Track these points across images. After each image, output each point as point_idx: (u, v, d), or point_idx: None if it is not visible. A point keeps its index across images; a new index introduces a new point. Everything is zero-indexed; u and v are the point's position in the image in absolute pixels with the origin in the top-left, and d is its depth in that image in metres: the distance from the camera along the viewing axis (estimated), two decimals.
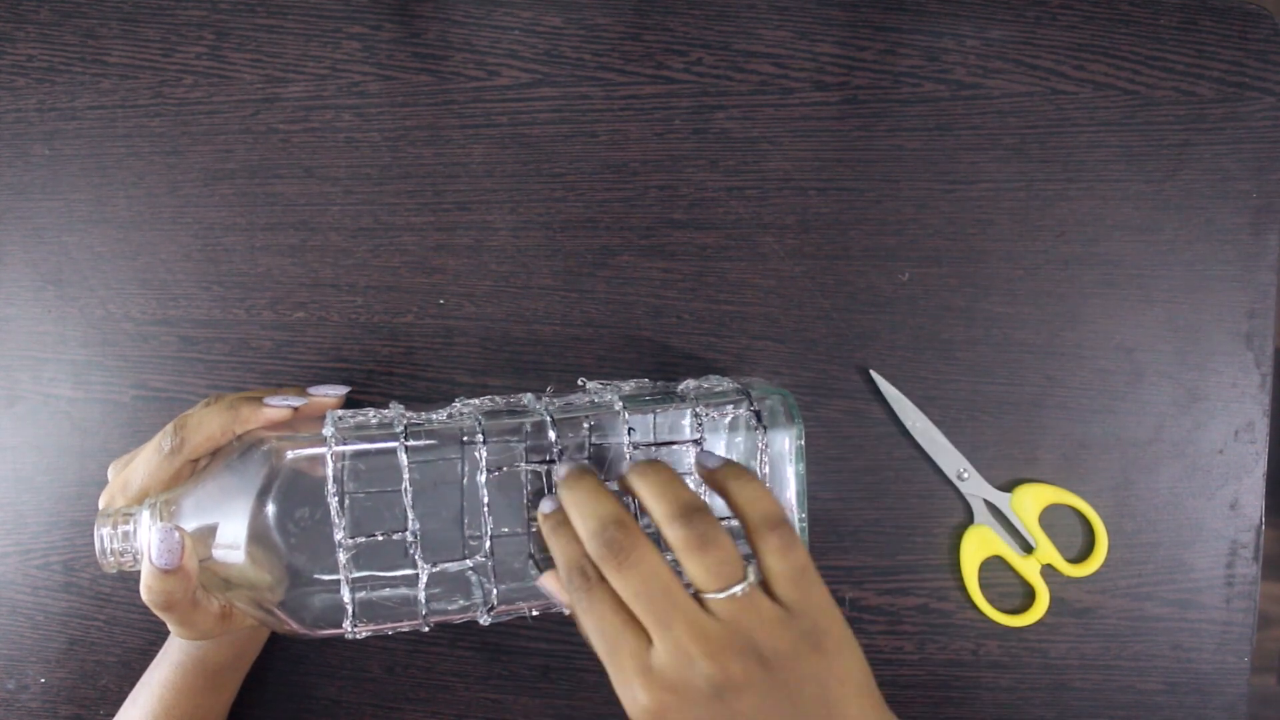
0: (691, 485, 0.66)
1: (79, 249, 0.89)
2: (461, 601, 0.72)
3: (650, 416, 0.74)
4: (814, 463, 0.88)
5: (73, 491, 0.89)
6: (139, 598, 0.70)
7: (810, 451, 0.88)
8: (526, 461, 0.71)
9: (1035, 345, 0.89)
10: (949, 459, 0.88)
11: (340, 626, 0.69)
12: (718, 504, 0.68)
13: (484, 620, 0.72)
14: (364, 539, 0.68)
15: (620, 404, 0.73)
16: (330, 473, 0.68)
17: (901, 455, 0.89)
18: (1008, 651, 0.89)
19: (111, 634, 0.90)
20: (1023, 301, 0.89)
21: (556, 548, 0.65)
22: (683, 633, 0.60)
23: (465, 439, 0.71)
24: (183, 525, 0.69)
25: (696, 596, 0.62)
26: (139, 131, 0.89)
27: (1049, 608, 0.88)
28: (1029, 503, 0.88)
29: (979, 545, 0.88)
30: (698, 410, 0.73)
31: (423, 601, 0.70)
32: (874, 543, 0.89)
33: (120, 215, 0.89)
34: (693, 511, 0.61)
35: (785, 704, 0.61)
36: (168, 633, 0.83)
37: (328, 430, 0.70)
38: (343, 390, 0.79)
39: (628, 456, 0.72)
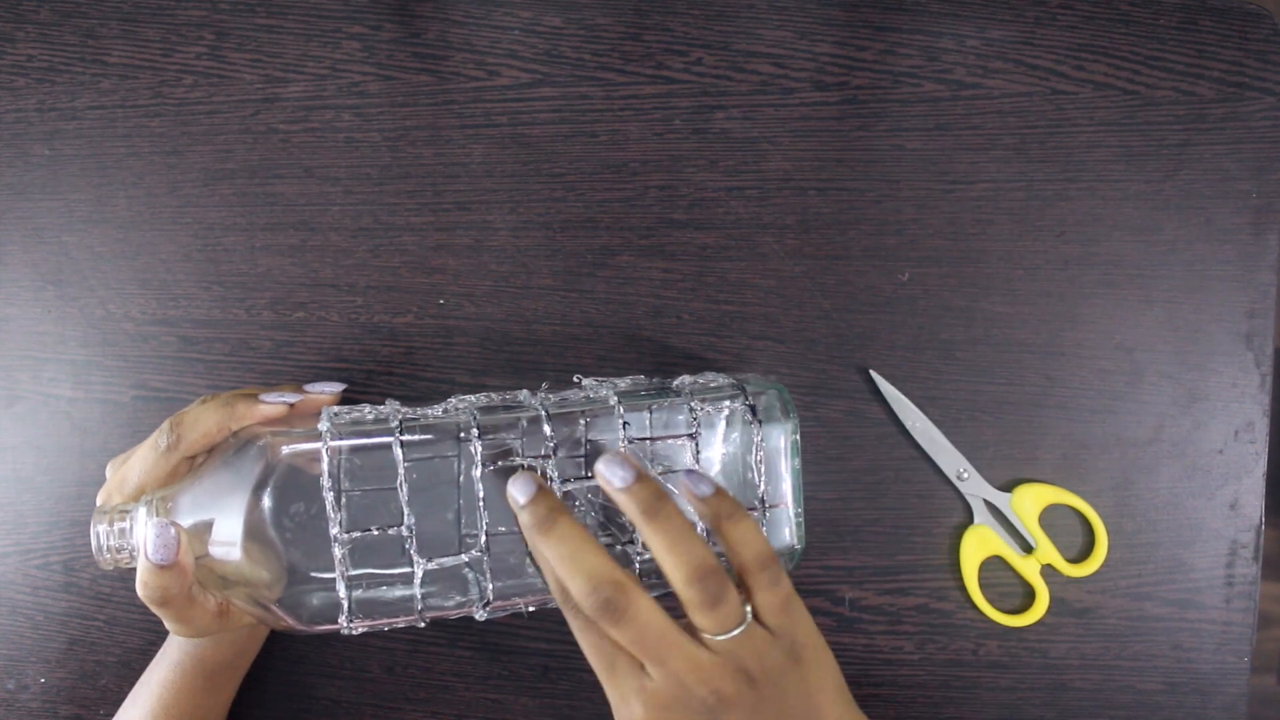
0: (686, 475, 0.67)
1: (79, 249, 0.89)
2: (458, 597, 0.72)
3: (646, 412, 0.74)
4: (814, 463, 0.88)
5: (73, 491, 0.89)
6: (138, 598, 0.70)
7: (810, 451, 0.88)
8: (522, 457, 0.71)
9: (1035, 345, 0.89)
10: (949, 459, 0.88)
11: (336, 623, 0.69)
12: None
13: (480, 616, 0.72)
14: (360, 534, 0.68)
15: (616, 399, 0.73)
16: (326, 468, 0.68)
17: (901, 455, 0.89)
18: (1008, 651, 0.89)
19: (111, 634, 0.90)
20: (1023, 301, 0.89)
21: (545, 567, 0.66)
22: (679, 666, 0.63)
23: (461, 434, 0.71)
24: (179, 521, 0.69)
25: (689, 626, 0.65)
26: (139, 131, 0.89)
27: (1049, 608, 0.88)
28: (1029, 503, 0.88)
29: (979, 545, 0.88)
30: (693, 405, 0.73)
31: (419, 597, 0.70)
32: (874, 543, 0.89)
33: (120, 215, 0.89)
34: (707, 574, 0.63)
35: (772, 714, 0.65)
36: (167, 633, 0.83)
37: (323, 426, 0.70)
38: (338, 387, 0.79)
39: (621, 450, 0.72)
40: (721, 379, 0.77)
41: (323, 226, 0.89)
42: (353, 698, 0.89)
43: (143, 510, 0.70)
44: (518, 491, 0.65)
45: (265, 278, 0.89)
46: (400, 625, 0.71)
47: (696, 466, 0.73)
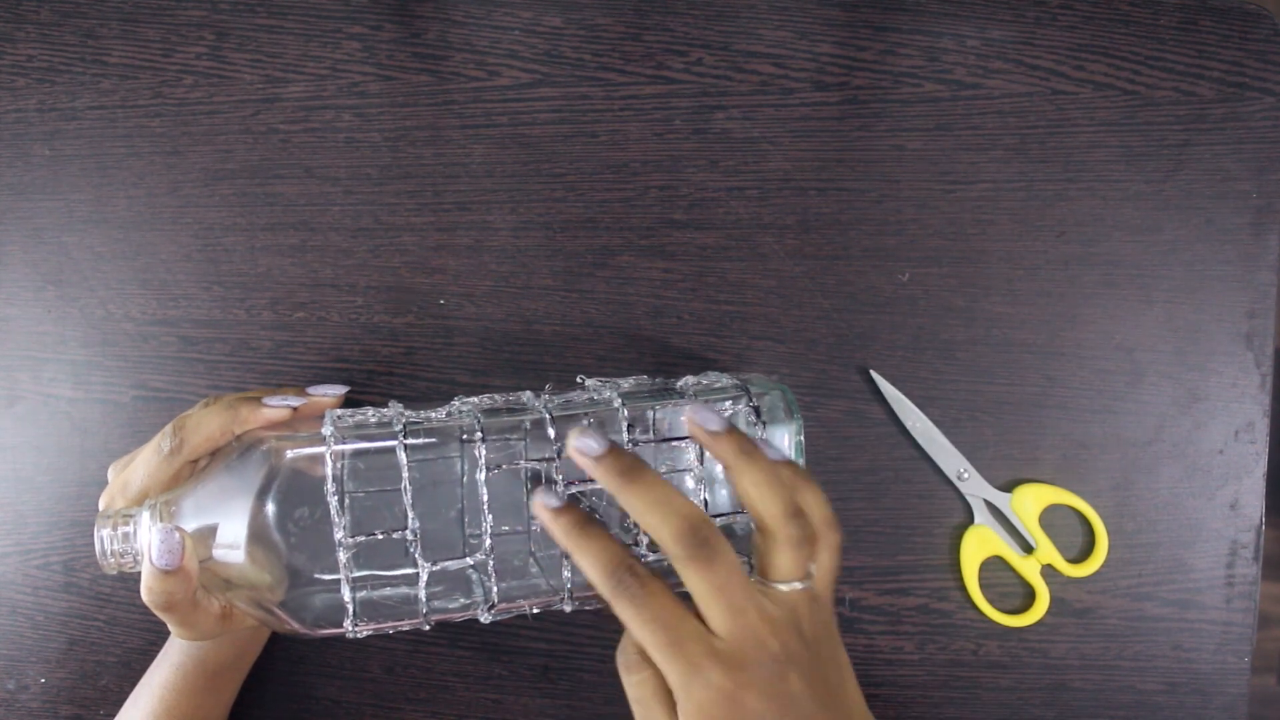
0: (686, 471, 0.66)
1: (79, 249, 0.89)
2: (462, 600, 0.72)
3: (650, 413, 0.74)
4: (814, 463, 0.88)
5: (73, 491, 0.89)
6: (139, 598, 0.70)
7: (810, 451, 0.88)
8: (526, 459, 0.71)
9: (1035, 345, 0.89)
10: (949, 459, 0.88)
11: (341, 626, 0.69)
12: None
13: (485, 618, 0.72)
14: (364, 538, 0.68)
15: (619, 401, 0.73)
16: (330, 472, 0.67)
17: (901, 455, 0.89)
18: (1008, 651, 0.89)
19: (111, 634, 0.90)
20: (1023, 301, 0.89)
21: (589, 550, 0.64)
22: (754, 616, 0.62)
23: (464, 437, 0.71)
24: (183, 526, 0.69)
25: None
26: (139, 131, 0.89)
27: (1049, 608, 0.88)
28: (1029, 503, 0.88)
29: (979, 545, 0.88)
30: None
31: (423, 600, 0.70)
32: (874, 543, 0.89)
33: (120, 215, 0.89)
34: (800, 512, 0.64)
35: (819, 681, 0.64)
36: (168, 633, 0.83)
37: (327, 429, 0.70)
38: (341, 390, 0.79)
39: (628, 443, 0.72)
40: (725, 379, 0.77)
41: (323, 226, 0.89)
42: (353, 698, 0.89)
43: (146, 515, 0.70)
44: (590, 443, 0.64)
45: (265, 278, 0.89)
46: (405, 628, 0.71)
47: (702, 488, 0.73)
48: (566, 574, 0.71)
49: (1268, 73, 0.89)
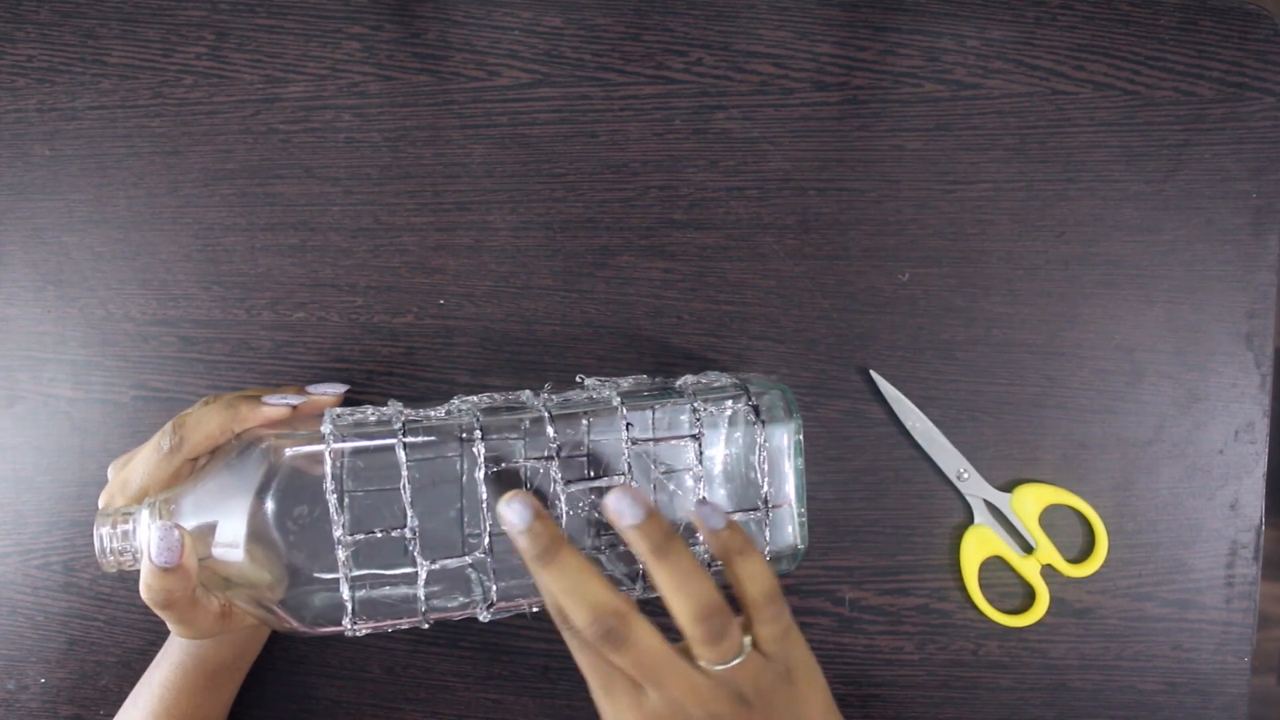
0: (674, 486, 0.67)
1: (79, 249, 0.89)
2: (461, 599, 0.72)
3: (649, 412, 0.74)
4: (814, 463, 0.88)
5: (73, 491, 0.89)
6: (139, 598, 0.70)
7: (810, 451, 0.88)
8: (525, 458, 0.71)
9: (1035, 345, 0.89)
10: (949, 459, 0.88)
11: (340, 624, 0.69)
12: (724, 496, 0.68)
13: (484, 617, 0.72)
14: (363, 536, 0.68)
15: (619, 400, 0.73)
16: (329, 470, 0.68)
17: (901, 455, 0.89)
18: (1008, 651, 0.89)
19: (111, 634, 0.90)
20: (1023, 301, 0.89)
21: (543, 587, 0.65)
22: (676, 690, 0.64)
23: (464, 436, 0.71)
24: (182, 524, 0.69)
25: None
26: (139, 131, 0.89)
27: (1049, 608, 0.88)
28: (1029, 503, 0.88)
29: (979, 545, 0.88)
30: (696, 406, 0.74)
31: (422, 599, 0.70)
32: (874, 543, 0.89)
33: (120, 215, 0.89)
34: (712, 613, 0.64)
35: None
36: (168, 633, 0.83)
37: (326, 428, 0.70)
38: (341, 388, 0.79)
39: (625, 453, 0.72)
40: (724, 379, 0.77)
41: (323, 226, 0.89)
42: (353, 698, 0.89)
43: (146, 513, 0.70)
44: (514, 516, 0.65)
45: (265, 278, 0.89)
46: (404, 627, 0.71)
47: (702, 495, 0.74)
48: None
49: (1268, 73, 0.89)
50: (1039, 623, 0.89)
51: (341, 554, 0.67)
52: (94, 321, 0.89)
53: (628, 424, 0.72)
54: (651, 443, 0.73)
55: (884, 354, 0.89)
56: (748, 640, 0.66)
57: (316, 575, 0.68)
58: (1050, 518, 0.89)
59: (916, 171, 0.89)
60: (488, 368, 0.89)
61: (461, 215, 0.89)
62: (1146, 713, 0.89)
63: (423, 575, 0.69)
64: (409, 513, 0.68)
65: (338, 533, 0.67)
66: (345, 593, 0.68)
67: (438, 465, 0.70)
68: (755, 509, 0.74)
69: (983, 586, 0.89)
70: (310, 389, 0.78)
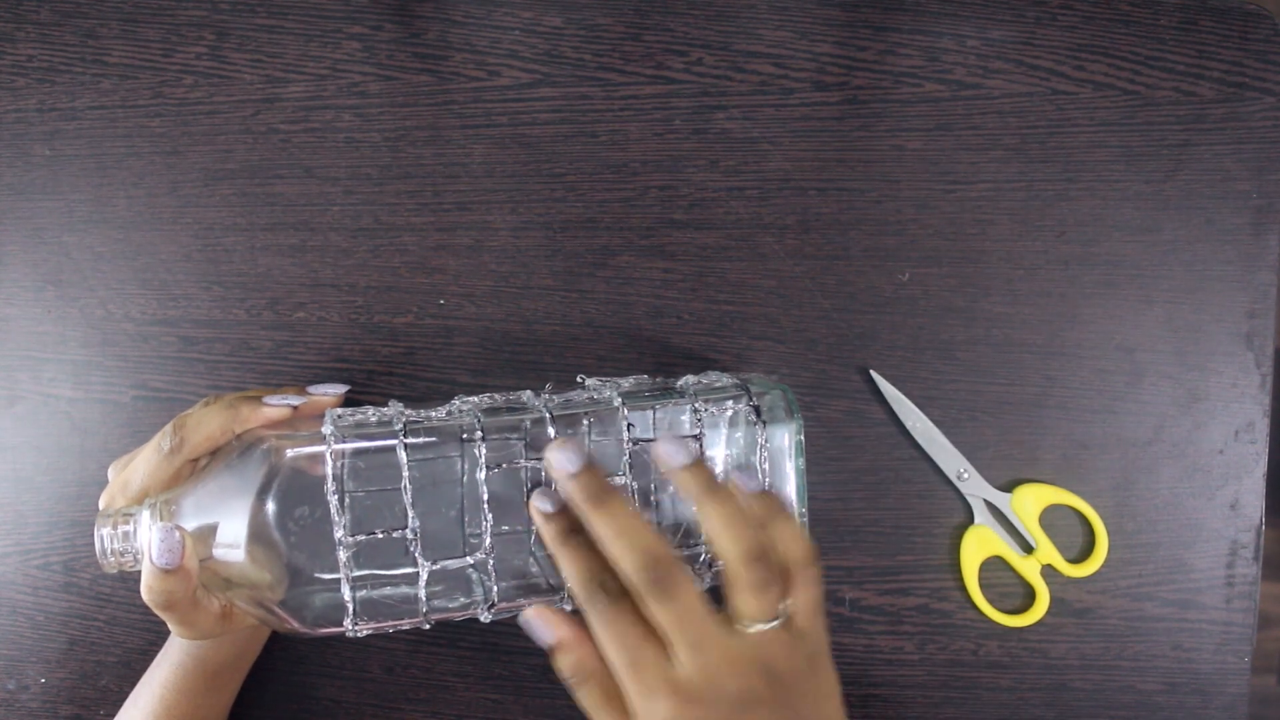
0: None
1: (79, 249, 0.89)
2: (462, 599, 0.72)
3: (649, 413, 0.74)
4: (814, 463, 0.88)
5: (73, 491, 0.89)
6: (139, 598, 0.70)
7: (810, 451, 0.88)
8: (526, 458, 0.71)
9: (1035, 345, 0.89)
10: (949, 459, 0.88)
11: (341, 625, 0.69)
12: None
13: (485, 618, 0.72)
14: (364, 537, 0.68)
15: (619, 400, 0.73)
16: (330, 471, 0.68)
17: (901, 455, 0.89)
18: (1008, 651, 0.89)
19: (111, 634, 0.90)
20: (1023, 301, 0.89)
21: (570, 559, 0.66)
22: (715, 655, 0.63)
23: (465, 436, 0.71)
24: (183, 525, 0.69)
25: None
26: (139, 131, 0.89)
27: (1049, 608, 0.88)
28: (1029, 503, 0.88)
29: (979, 545, 0.88)
30: (697, 406, 0.74)
31: (423, 599, 0.70)
32: (874, 543, 0.89)
33: (120, 215, 0.89)
34: (762, 555, 0.65)
35: (790, 717, 0.65)
36: (168, 633, 0.83)
37: (327, 429, 0.70)
38: (342, 389, 0.79)
39: (626, 454, 0.72)
40: (725, 379, 0.77)
41: (323, 226, 0.89)
42: (353, 698, 0.89)
43: (146, 514, 0.70)
44: (566, 460, 0.66)
45: (265, 278, 0.89)
46: (405, 627, 0.71)
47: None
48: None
49: (1268, 73, 0.89)
50: (1039, 623, 0.89)
51: (342, 554, 0.67)
52: (94, 321, 0.89)
53: (629, 424, 0.72)
54: (652, 443, 0.73)
55: (884, 354, 0.89)
56: (785, 605, 0.66)
57: (317, 576, 0.68)
58: (1050, 518, 0.89)
59: (916, 171, 0.89)
60: (488, 368, 0.89)
61: (461, 215, 0.89)
62: (1146, 713, 0.89)
63: (424, 576, 0.69)
64: (410, 513, 0.68)
65: (339, 533, 0.67)
66: (346, 593, 0.68)
67: (439, 466, 0.70)
68: None
69: (983, 586, 0.89)
70: (311, 389, 0.78)
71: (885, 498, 0.89)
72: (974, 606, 0.89)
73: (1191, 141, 0.89)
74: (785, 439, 0.75)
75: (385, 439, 0.70)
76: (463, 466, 0.70)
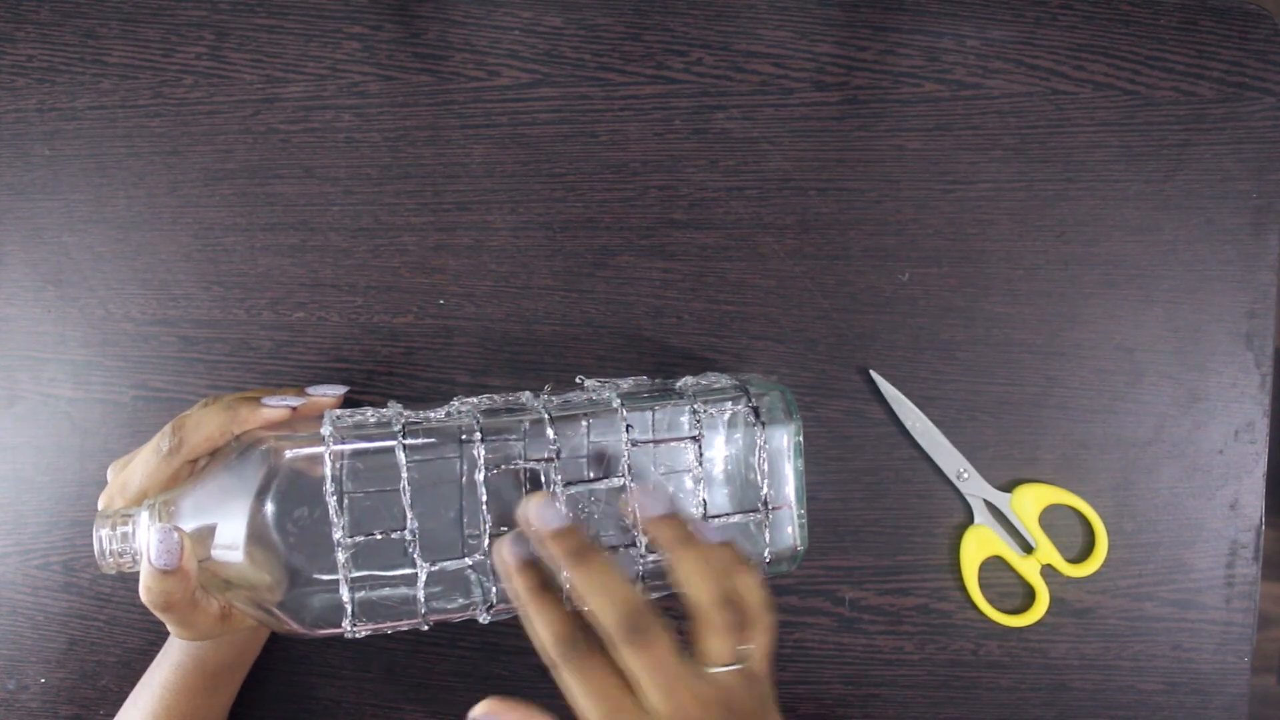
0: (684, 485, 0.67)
1: (79, 249, 0.89)
2: (461, 600, 0.72)
3: (649, 414, 0.74)
4: (814, 463, 0.88)
5: (73, 491, 0.89)
6: (139, 598, 0.70)
7: (810, 451, 0.88)
8: (525, 459, 0.71)
9: (1035, 345, 0.89)
10: (949, 459, 0.88)
11: (340, 626, 0.69)
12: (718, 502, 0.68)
13: (484, 619, 0.72)
14: (363, 538, 0.68)
15: (618, 401, 0.73)
16: (328, 472, 0.68)
17: (901, 455, 0.89)
18: (1008, 651, 0.89)
19: (111, 634, 0.90)
20: (1023, 301, 0.89)
21: (543, 617, 0.67)
22: (686, 697, 0.64)
23: (464, 437, 0.71)
24: (182, 526, 0.69)
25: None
26: (139, 131, 0.89)
27: (1049, 608, 0.88)
28: (1029, 503, 0.88)
29: (979, 545, 0.88)
30: (696, 407, 0.74)
31: (422, 600, 0.70)
32: (874, 543, 0.89)
33: (120, 215, 0.89)
34: (731, 601, 0.66)
35: None
36: (168, 633, 0.83)
37: (326, 430, 0.70)
38: (341, 390, 0.79)
39: (625, 455, 0.72)
40: (724, 380, 0.77)
41: (323, 226, 0.89)
42: (353, 698, 0.89)
43: (145, 515, 0.70)
44: (548, 517, 0.66)
45: (265, 278, 0.89)
46: (404, 628, 0.71)
47: (703, 498, 0.74)
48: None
49: (1268, 73, 0.89)
50: (1039, 623, 0.89)
51: (341, 556, 0.67)
52: (94, 321, 0.89)
53: (628, 425, 0.72)
54: (652, 444, 0.73)
55: (884, 354, 0.89)
56: (746, 649, 0.67)
57: (316, 577, 0.68)
58: (1050, 518, 0.89)
59: (916, 171, 0.89)
60: (488, 368, 0.89)
61: (461, 215, 0.89)
62: (1146, 713, 0.89)
63: (422, 577, 0.69)
64: (409, 514, 0.68)
65: (337, 534, 0.67)
66: (345, 594, 0.68)
67: (437, 467, 0.70)
68: (755, 510, 0.74)
69: (983, 586, 0.89)
70: (310, 390, 0.78)
71: (885, 498, 0.89)
72: (974, 606, 0.89)
73: (1191, 141, 0.89)
74: (784, 440, 0.75)
75: (384, 440, 0.70)
76: (461, 467, 0.70)
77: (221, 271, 0.89)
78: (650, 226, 0.89)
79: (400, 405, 0.74)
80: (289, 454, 0.69)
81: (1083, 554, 0.89)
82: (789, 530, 0.76)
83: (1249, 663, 0.89)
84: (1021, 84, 0.89)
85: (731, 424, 0.75)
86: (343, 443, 0.69)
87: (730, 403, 0.75)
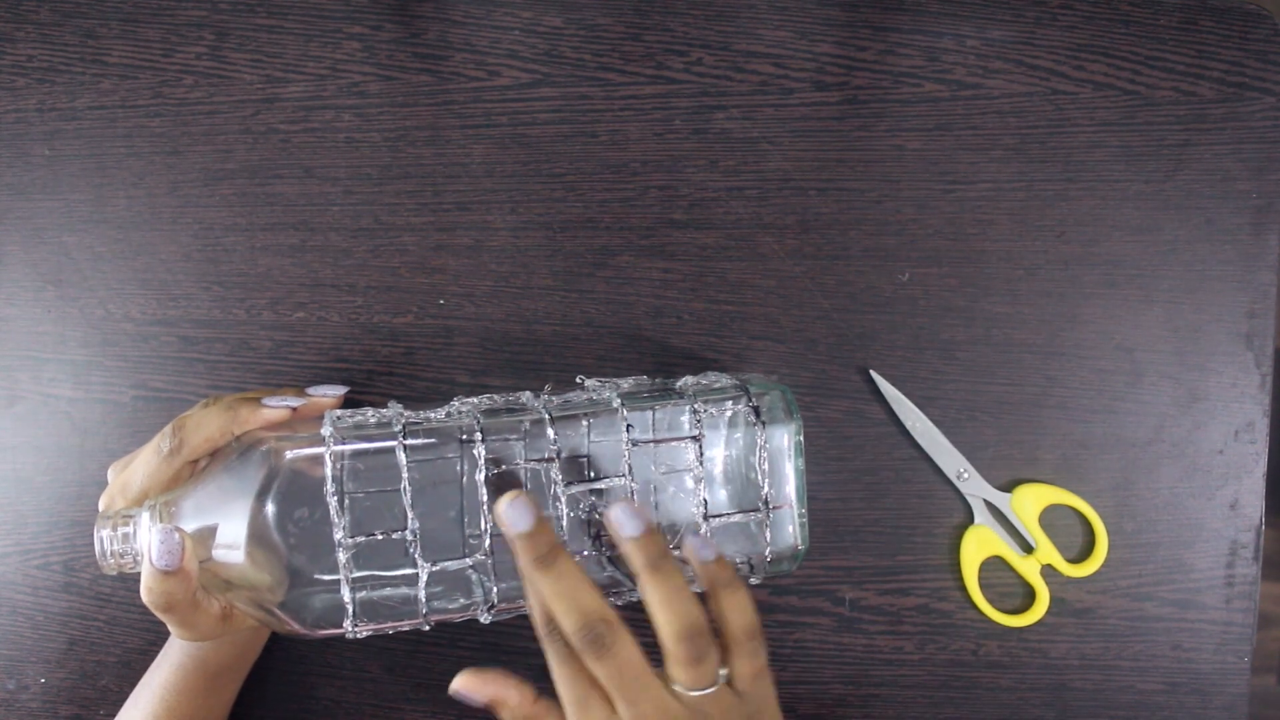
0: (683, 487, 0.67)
1: (79, 249, 0.89)
2: (462, 600, 0.72)
3: (649, 414, 0.74)
4: (814, 463, 0.88)
5: (73, 491, 0.89)
6: (139, 598, 0.70)
7: (810, 451, 0.88)
8: (525, 460, 0.71)
9: (1035, 345, 0.89)
10: (949, 459, 0.88)
11: (341, 626, 0.69)
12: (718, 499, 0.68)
13: (485, 619, 0.72)
14: (364, 538, 0.68)
15: (619, 401, 0.73)
16: (329, 472, 0.68)
17: (901, 455, 0.89)
18: (1008, 651, 0.89)
19: (111, 634, 0.90)
20: (1023, 301, 0.89)
21: (534, 594, 0.66)
22: (648, 709, 0.64)
23: (464, 437, 0.71)
24: (183, 526, 0.69)
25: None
26: (139, 131, 0.89)
27: (1049, 608, 0.88)
28: (1029, 503, 0.88)
29: (979, 545, 0.88)
30: (696, 407, 0.74)
31: (423, 600, 0.70)
32: (874, 543, 0.89)
33: (120, 215, 0.89)
34: (695, 634, 0.65)
35: None
36: (168, 633, 0.83)
37: (326, 430, 0.70)
38: (341, 390, 0.79)
39: (626, 455, 0.72)
40: (725, 379, 0.77)
41: (323, 226, 0.89)
42: (353, 698, 0.89)
43: (146, 515, 0.70)
44: (514, 518, 0.65)
45: (265, 278, 0.89)
46: (405, 628, 0.71)
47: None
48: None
49: (1268, 73, 0.89)
50: (1039, 623, 0.89)
51: (342, 556, 0.67)
52: (94, 321, 0.89)
53: (628, 425, 0.72)
54: (652, 444, 0.73)
55: (884, 354, 0.89)
56: (724, 672, 0.67)
57: (317, 577, 0.68)
58: (1050, 518, 0.89)
59: (916, 171, 0.89)
60: (488, 368, 0.89)
61: (461, 215, 0.89)
62: (1146, 713, 0.89)
63: (423, 577, 0.69)
64: (410, 515, 0.68)
65: (338, 535, 0.67)
66: (346, 595, 0.68)
67: (438, 467, 0.70)
68: (756, 510, 0.74)
69: (983, 586, 0.89)
70: (310, 390, 0.78)
71: (885, 498, 0.89)
72: (974, 606, 0.89)
73: (1191, 141, 0.89)
74: (785, 439, 0.75)
75: (385, 440, 0.70)
76: (462, 468, 0.71)
77: (221, 271, 0.89)
78: (650, 226, 0.89)
79: (400, 405, 0.74)
80: (290, 454, 0.69)
81: (1083, 554, 0.89)
82: (789, 530, 0.76)
83: (1249, 663, 0.89)
84: (1021, 84, 0.89)
85: (732, 423, 0.75)
86: (343, 443, 0.69)
87: (731, 402, 0.75)
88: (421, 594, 0.70)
